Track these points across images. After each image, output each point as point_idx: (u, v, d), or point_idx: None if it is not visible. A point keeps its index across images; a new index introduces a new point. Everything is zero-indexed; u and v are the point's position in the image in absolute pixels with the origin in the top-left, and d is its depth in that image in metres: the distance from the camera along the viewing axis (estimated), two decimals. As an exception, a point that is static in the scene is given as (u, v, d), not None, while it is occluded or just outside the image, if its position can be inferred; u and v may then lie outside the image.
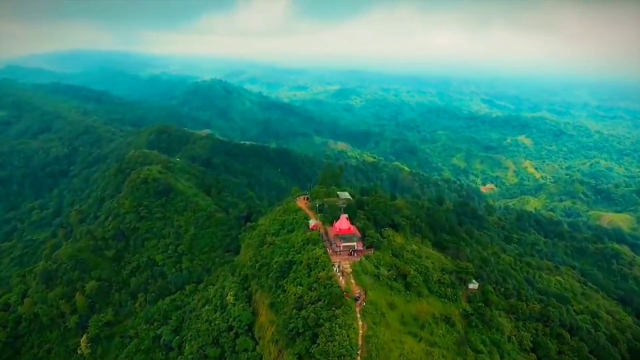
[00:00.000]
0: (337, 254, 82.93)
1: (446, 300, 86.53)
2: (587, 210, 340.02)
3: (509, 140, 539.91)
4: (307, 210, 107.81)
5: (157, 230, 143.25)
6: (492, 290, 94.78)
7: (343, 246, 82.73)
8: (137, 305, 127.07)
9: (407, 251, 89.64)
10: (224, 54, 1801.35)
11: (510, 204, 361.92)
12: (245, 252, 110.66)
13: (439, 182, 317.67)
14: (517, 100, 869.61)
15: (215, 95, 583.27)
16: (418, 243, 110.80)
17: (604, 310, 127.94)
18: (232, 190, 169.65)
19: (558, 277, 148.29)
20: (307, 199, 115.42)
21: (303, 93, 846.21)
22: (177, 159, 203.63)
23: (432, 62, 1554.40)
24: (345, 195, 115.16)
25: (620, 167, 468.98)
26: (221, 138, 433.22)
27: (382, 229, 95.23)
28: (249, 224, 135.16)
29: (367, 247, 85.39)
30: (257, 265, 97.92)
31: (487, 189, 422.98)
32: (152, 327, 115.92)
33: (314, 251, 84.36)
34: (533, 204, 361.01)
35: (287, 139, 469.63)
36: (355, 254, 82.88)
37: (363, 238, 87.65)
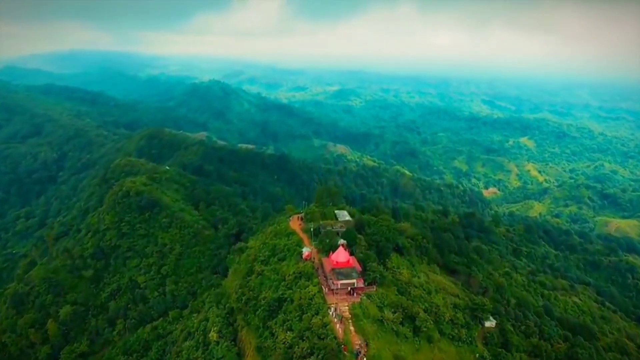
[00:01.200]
0: (333, 293, 70.37)
1: (460, 344, 74.06)
2: (594, 216, 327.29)
3: (511, 143, 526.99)
4: (300, 234, 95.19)
5: (140, 249, 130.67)
6: (512, 328, 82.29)
7: (341, 284, 70.16)
8: (115, 333, 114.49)
9: (415, 286, 76.96)
10: (223, 54, 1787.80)
11: (514, 209, 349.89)
12: (233, 279, 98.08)
13: (442, 188, 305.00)
14: (517, 101, 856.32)
15: (213, 97, 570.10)
16: (425, 269, 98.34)
17: (625, 335, 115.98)
18: (223, 202, 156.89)
19: (575, 298, 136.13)
20: (302, 219, 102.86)
21: (302, 94, 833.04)
22: (167, 167, 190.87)
23: (431, 62, 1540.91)
24: (343, 215, 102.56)
25: (625, 170, 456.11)
26: (218, 141, 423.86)
27: (386, 259, 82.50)
28: (239, 243, 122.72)
29: (368, 284, 72.79)
30: (243, 298, 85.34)
31: (489, 192, 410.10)
32: (130, 359, 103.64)
33: (307, 289, 71.80)
34: (538, 209, 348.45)
35: (285, 141, 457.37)
36: (355, 293, 70.33)
37: (364, 272, 75.07)
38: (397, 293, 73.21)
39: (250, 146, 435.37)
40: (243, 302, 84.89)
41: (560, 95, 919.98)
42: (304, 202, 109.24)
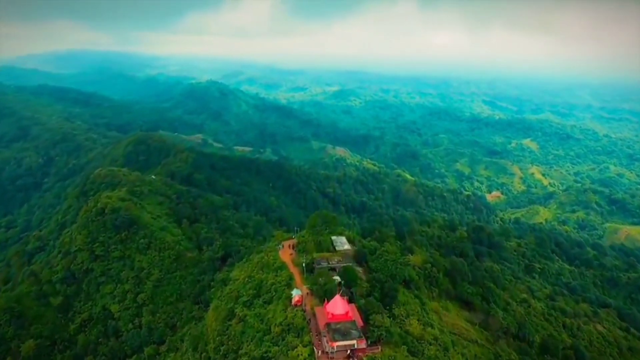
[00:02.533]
0: (328, 357, 55.47)
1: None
2: (602, 223, 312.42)
3: (513, 144, 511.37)
4: (291, 267, 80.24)
5: (115, 273, 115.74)
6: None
7: (338, 346, 55.25)
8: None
9: (429, 342, 62.02)
10: (222, 54, 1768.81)
11: (519, 214, 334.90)
12: (213, 317, 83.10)
13: (445, 194, 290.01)
14: (518, 102, 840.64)
15: (210, 98, 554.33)
16: (437, 307, 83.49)
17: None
18: (211, 217, 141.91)
19: (599, 327, 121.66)
20: (293, 247, 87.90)
21: (301, 94, 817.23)
22: (152, 177, 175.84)
23: (431, 62, 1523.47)
24: (341, 242, 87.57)
25: (631, 172, 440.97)
26: (214, 143, 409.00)
27: (392, 303, 67.49)
28: (223, 268, 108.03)
29: (371, 343, 57.88)
30: (222, 349, 70.70)
31: (493, 196, 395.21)
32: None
33: (295, 350, 56.95)
34: (544, 215, 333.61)
35: (283, 143, 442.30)
36: (355, 357, 55.43)
37: (365, 326, 60.12)
38: (407, 354, 58.28)
39: (247, 148, 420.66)
40: (221, 354, 70.18)
41: (562, 95, 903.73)
42: (295, 228, 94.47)
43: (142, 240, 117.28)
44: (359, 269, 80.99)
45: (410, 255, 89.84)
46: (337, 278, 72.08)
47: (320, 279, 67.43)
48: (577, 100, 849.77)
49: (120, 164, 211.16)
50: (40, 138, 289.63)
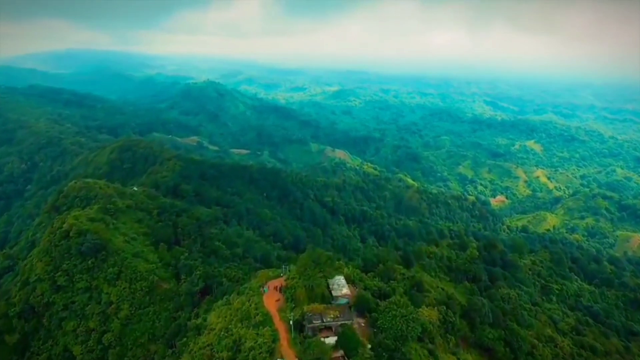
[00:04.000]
0: None
1: None
2: (613, 230, 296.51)
3: (517, 146, 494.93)
4: (276, 319, 64.03)
5: (79, 308, 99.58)
6: None
7: None
8: None
9: None
10: (221, 53, 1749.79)
11: (525, 220, 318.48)
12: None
13: (449, 201, 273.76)
14: (520, 102, 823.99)
15: (207, 98, 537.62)
16: (456, 366, 67.50)
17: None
18: (195, 236, 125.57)
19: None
20: (280, 290, 71.68)
21: (301, 94, 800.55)
22: (134, 188, 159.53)
23: (431, 62, 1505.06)
24: (339, 285, 71.16)
25: (639, 176, 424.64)
26: (210, 146, 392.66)
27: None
28: (203, 305, 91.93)
29: None
30: None
31: (497, 201, 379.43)
32: None
33: None
34: (551, 221, 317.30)
35: (282, 145, 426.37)
36: None
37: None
38: None
39: (244, 151, 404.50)
40: None
41: (564, 96, 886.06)
42: (284, 266, 78.43)
43: (111, 270, 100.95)
44: (361, 321, 64.92)
45: (423, 306, 73.14)
46: (332, 341, 55.89)
47: (312, 351, 51.18)
48: (580, 100, 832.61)
49: (104, 172, 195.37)
50: (25, 142, 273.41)
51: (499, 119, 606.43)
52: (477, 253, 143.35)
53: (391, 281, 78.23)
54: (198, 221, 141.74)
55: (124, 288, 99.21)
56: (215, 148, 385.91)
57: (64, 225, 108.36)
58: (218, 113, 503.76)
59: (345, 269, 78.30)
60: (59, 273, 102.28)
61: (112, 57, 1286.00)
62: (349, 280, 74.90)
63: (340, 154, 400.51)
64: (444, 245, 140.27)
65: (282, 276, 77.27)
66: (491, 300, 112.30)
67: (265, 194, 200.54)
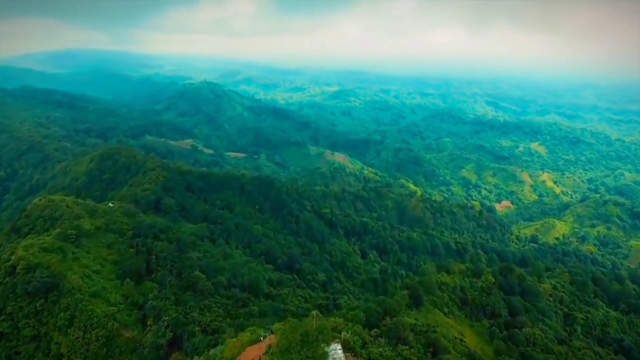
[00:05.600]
0: None
1: None
2: (627, 240, 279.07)
3: (521, 149, 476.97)
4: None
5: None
6: None
7: None
8: None
9: None
10: (220, 53, 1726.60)
11: (533, 228, 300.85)
12: None
13: (454, 209, 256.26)
14: (521, 102, 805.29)
15: (203, 99, 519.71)
16: None
17: None
18: (170, 265, 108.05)
19: None
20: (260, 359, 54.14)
21: (300, 95, 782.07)
22: (110, 204, 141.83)
23: (431, 61, 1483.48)
24: (337, 356, 53.59)
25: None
26: (204, 149, 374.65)
27: None
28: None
29: None
30: None
31: (502, 206, 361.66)
32: None
33: None
34: (560, 229, 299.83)
35: (279, 149, 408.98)
36: None
37: None
38: None
39: (240, 154, 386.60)
40: None
41: (566, 96, 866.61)
42: (262, 335, 60.94)
43: (62, 314, 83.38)
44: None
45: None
46: None
47: None
48: (582, 101, 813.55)
49: (82, 184, 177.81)
50: (6, 147, 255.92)
51: (502, 120, 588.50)
52: (493, 279, 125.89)
53: (400, 345, 60.62)
54: (178, 243, 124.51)
55: (77, 337, 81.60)
56: (211, 152, 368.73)
57: (12, 258, 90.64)
58: (214, 115, 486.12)
59: (344, 333, 60.69)
60: (2, 317, 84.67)
61: (111, 57, 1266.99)
62: (348, 348, 57.26)
63: (340, 158, 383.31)
64: (457, 271, 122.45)
65: (262, 340, 59.75)
66: (515, 344, 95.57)
67: (257, 207, 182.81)
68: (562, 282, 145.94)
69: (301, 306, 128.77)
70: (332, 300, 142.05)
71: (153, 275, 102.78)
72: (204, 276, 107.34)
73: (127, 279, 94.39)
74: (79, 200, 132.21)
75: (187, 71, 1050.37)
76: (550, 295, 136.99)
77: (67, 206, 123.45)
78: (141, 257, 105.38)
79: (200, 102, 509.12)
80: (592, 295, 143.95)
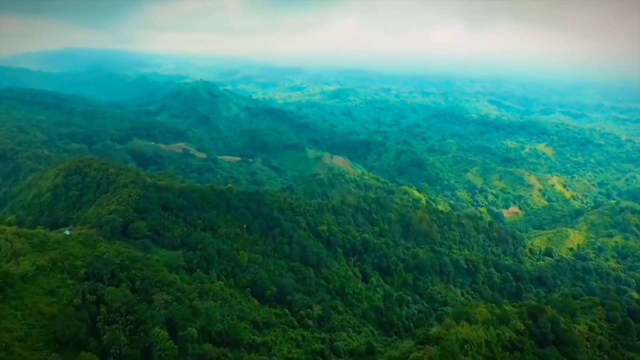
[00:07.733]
0: None
1: None
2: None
3: (527, 150, 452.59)
4: None
5: None
6: None
7: None
8: None
9: None
10: (218, 51, 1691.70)
11: (545, 238, 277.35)
12: None
13: (463, 221, 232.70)
14: (525, 101, 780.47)
15: (198, 100, 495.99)
16: None
17: None
18: (125, 320, 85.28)
19: None
20: None
21: (299, 94, 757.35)
22: (67, 232, 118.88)
23: (432, 59, 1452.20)
24: None
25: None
26: (197, 153, 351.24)
27: None
28: None
29: None
30: None
31: (510, 212, 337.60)
32: None
33: None
34: (574, 239, 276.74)
35: (276, 152, 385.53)
36: None
37: None
38: None
39: (235, 158, 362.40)
40: None
41: (570, 94, 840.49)
42: None
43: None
44: None
45: None
46: None
47: None
48: (587, 99, 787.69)
49: (45, 202, 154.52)
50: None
51: (506, 120, 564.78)
52: (523, 326, 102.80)
53: None
54: (143, 282, 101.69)
55: None
56: (203, 155, 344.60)
57: None
58: (209, 116, 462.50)
59: None
60: None
61: (109, 56, 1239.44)
62: None
63: (339, 161, 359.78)
64: (479, 318, 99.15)
65: None
66: None
67: (245, 226, 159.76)
68: (598, 321, 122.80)
69: (291, 356, 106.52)
70: (329, 343, 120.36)
71: (101, 337, 79.65)
72: (166, 334, 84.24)
73: (55, 353, 71.18)
74: (24, 231, 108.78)
75: (185, 70, 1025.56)
76: (587, 340, 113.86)
77: (6, 239, 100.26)
78: (84, 312, 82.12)
79: (195, 103, 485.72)
80: (636, 338, 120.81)
